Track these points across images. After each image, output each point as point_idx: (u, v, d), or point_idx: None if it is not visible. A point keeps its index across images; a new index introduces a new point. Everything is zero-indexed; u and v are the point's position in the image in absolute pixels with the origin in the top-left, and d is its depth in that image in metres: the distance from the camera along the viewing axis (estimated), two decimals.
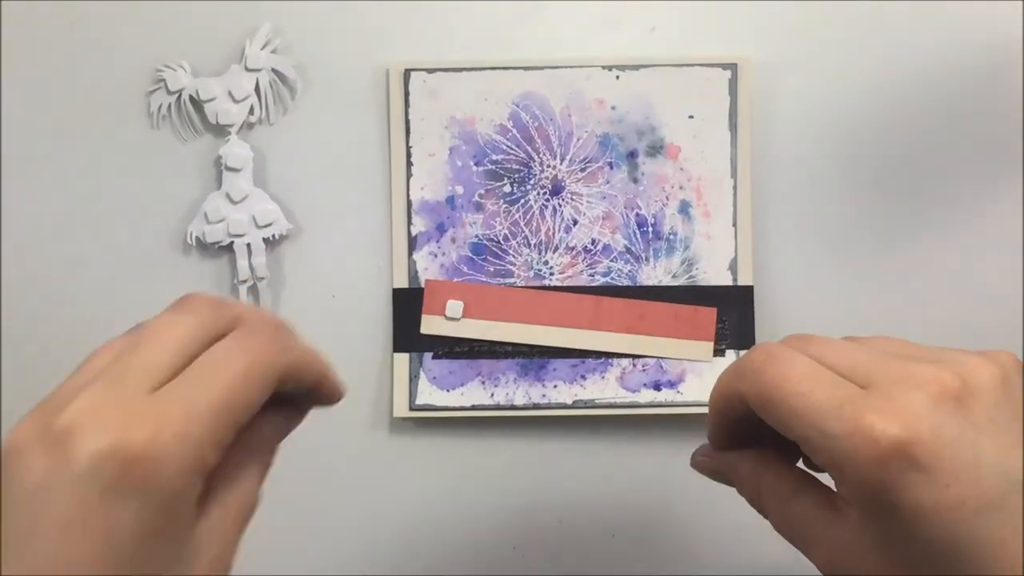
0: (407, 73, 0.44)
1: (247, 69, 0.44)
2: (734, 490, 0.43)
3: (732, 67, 0.44)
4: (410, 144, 0.44)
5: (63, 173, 0.45)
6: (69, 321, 0.45)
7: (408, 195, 0.44)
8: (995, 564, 0.28)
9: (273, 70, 0.45)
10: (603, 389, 0.44)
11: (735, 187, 0.44)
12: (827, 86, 0.45)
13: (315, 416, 0.44)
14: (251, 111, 0.45)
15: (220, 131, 0.45)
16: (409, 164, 0.44)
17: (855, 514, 0.30)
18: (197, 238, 0.44)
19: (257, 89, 0.44)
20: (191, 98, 0.45)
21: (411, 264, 0.44)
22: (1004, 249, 0.44)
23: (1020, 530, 0.28)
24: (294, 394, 0.31)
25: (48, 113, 0.45)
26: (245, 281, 0.45)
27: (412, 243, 0.44)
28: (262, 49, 0.44)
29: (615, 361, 0.44)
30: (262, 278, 0.45)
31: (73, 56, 0.45)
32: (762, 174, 0.44)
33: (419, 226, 0.44)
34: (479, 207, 0.44)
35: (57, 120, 0.45)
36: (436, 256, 0.44)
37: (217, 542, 0.28)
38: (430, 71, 0.44)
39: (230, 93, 0.44)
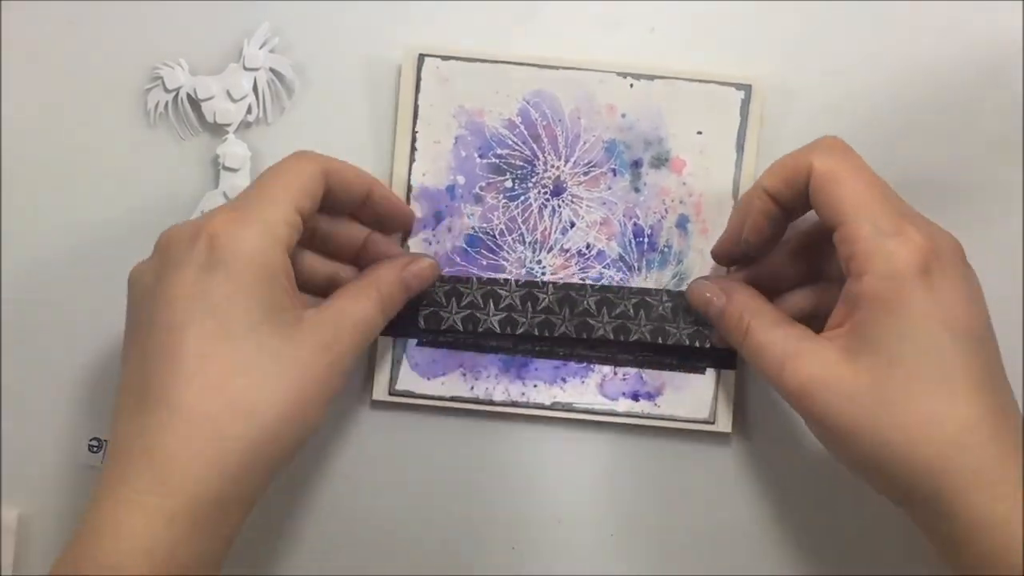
0: (421, 58, 0.43)
1: (245, 68, 0.44)
2: (734, 492, 0.44)
3: (746, 88, 0.43)
4: (416, 129, 0.44)
5: (61, 170, 0.45)
6: (66, 318, 0.45)
7: (409, 179, 0.44)
8: (973, 379, 0.35)
9: (271, 69, 0.44)
10: (582, 394, 0.44)
11: (735, 207, 0.44)
12: (834, 108, 0.45)
13: None
14: (249, 110, 0.44)
15: (217, 130, 0.45)
16: (413, 149, 0.44)
17: (841, 333, 0.36)
18: None
19: (255, 88, 0.44)
20: (188, 96, 0.44)
21: (405, 249, 0.44)
22: (1004, 249, 0.44)
23: (991, 362, 0.36)
24: (368, 215, 0.41)
25: (47, 109, 0.45)
26: None
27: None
28: (260, 48, 0.44)
29: (597, 367, 0.44)
30: None
31: (72, 52, 0.45)
32: None
33: (416, 211, 0.44)
34: (479, 199, 0.44)
35: (56, 117, 0.45)
36: (430, 243, 0.44)
37: (323, 332, 0.36)
38: (444, 58, 0.43)
39: (228, 92, 0.44)
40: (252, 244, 0.35)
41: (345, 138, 0.44)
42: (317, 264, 0.42)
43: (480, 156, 0.44)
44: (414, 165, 0.44)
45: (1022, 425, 0.35)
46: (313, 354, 0.36)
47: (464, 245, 0.44)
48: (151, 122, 0.45)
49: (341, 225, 0.42)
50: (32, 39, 0.45)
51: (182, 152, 0.45)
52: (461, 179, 0.44)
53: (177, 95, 0.44)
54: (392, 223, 0.43)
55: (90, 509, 0.34)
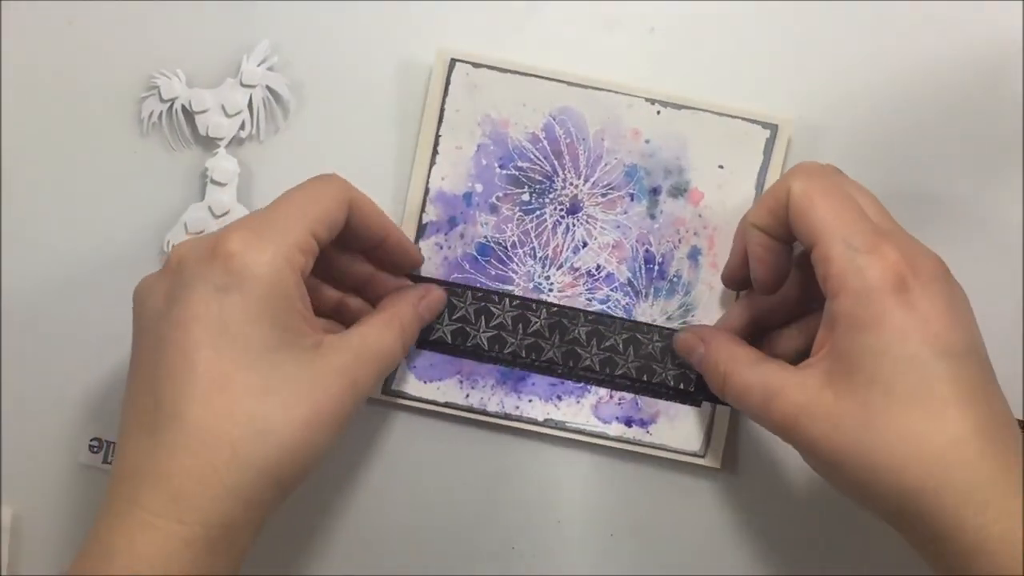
0: (452, 62, 0.43)
1: (242, 84, 0.44)
2: (718, 526, 0.44)
3: (773, 127, 0.43)
4: (440, 133, 0.44)
5: (55, 172, 0.45)
6: (62, 318, 0.45)
7: (427, 182, 0.44)
8: (949, 399, 0.33)
9: (268, 88, 0.44)
10: (576, 414, 0.44)
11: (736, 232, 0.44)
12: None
13: None
14: (242, 127, 0.44)
15: (209, 144, 0.45)
16: (435, 152, 0.44)
17: (822, 357, 0.36)
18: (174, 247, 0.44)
19: (250, 105, 0.44)
20: (183, 108, 0.44)
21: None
22: (1004, 250, 0.44)
23: (978, 377, 0.34)
24: (378, 255, 0.41)
25: (43, 110, 0.45)
26: None
27: (420, 230, 0.44)
28: (258, 66, 0.44)
29: (593, 389, 0.44)
30: None
31: (70, 54, 0.45)
32: None
33: (431, 215, 0.44)
34: (494, 209, 0.44)
35: (51, 118, 0.45)
36: (441, 248, 0.44)
37: (342, 358, 0.36)
38: (475, 65, 0.43)
39: (223, 107, 0.44)
40: (267, 267, 0.34)
41: (341, 156, 0.44)
42: (325, 292, 0.42)
43: (500, 167, 0.44)
44: (433, 168, 0.44)
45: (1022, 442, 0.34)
46: (330, 379, 0.36)
47: (475, 253, 0.44)
48: (144, 131, 0.45)
49: (347, 257, 0.42)
50: (31, 40, 0.45)
51: (172, 162, 0.45)
52: (479, 187, 0.44)
53: (172, 105, 0.44)
54: (400, 267, 0.43)
55: (100, 528, 0.34)
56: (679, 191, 0.44)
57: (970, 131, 0.45)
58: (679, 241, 0.44)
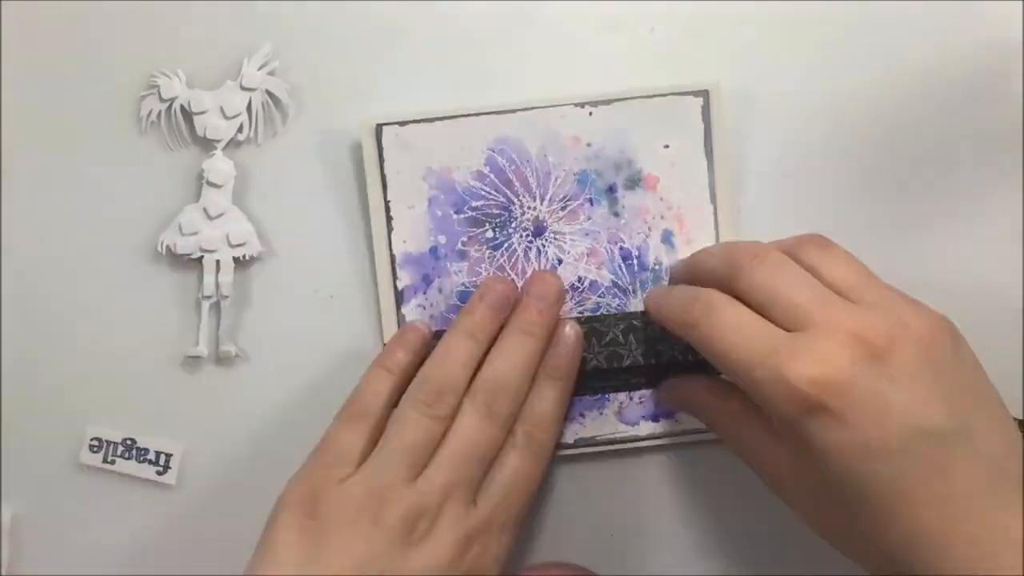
0: (379, 128, 0.43)
1: (242, 87, 0.44)
2: (733, 492, 0.44)
3: (703, 94, 0.44)
4: (388, 198, 0.44)
5: (53, 171, 0.45)
6: (63, 317, 0.45)
7: (391, 249, 0.44)
8: (895, 503, 0.32)
9: (267, 91, 0.44)
10: (602, 425, 0.44)
11: (716, 212, 0.44)
12: (814, 98, 0.45)
13: (297, 423, 0.44)
14: (240, 129, 0.44)
15: (207, 145, 0.45)
16: (389, 218, 0.44)
17: (789, 444, 0.34)
18: (168, 248, 0.44)
19: (249, 108, 0.44)
20: (182, 108, 0.44)
21: (400, 319, 0.44)
22: (1004, 250, 0.44)
23: (921, 473, 0.31)
24: None
25: (44, 111, 0.45)
26: (209, 297, 0.44)
27: (399, 297, 0.44)
28: (259, 69, 0.44)
29: (612, 396, 0.44)
30: (226, 296, 0.45)
31: (70, 53, 0.45)
32: (743, 196, 0.45)
33: (405, 279, 0.44)
34: (463, 255, 0.44)
35: (50, 116, 0.45)
36: (424, 308, 0.44)
37: None
38: (402, 124, 0.43)
39: (222, 109, 0.44)
40: None
41: (333, 173, 0.44)
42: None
43: (456, 212, 0.44)
44: (392, 234, 0.44)
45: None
46: None
47: (458, 302, 0.44)
48: (142, 129, 0.45)
49: None
50: (31, 40, 0.45)
51: (169, 163, 0.45)
52: (442, 239, 0.44)
53: (171, 105, 0.44)
54: None
55: None
56: (634, 182, 0.44)
57: (970, 130, 0.45)
58: (649, 230, 0.44)
